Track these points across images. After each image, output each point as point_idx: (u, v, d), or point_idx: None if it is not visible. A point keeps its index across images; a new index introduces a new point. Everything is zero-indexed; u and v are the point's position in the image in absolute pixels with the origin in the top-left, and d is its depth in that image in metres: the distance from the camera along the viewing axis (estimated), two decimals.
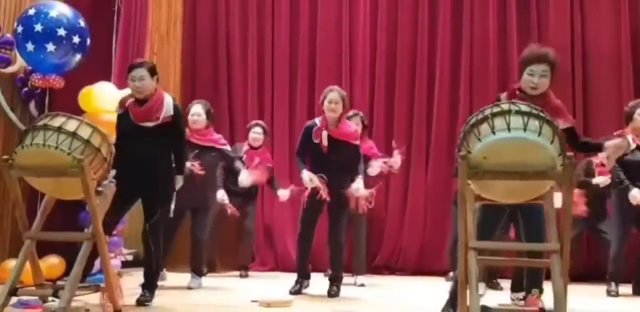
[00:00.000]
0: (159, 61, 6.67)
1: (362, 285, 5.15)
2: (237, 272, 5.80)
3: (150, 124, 3.69)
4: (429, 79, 6.55)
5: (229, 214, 5.23)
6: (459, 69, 6.47)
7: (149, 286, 3.78)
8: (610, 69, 6.22)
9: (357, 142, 4.48)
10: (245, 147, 5.66)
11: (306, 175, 4.30)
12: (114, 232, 4.18)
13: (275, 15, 6.93)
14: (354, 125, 4.74)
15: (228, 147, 4.97)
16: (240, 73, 6.96)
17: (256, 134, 5.65)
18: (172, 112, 3.73)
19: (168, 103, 3.74)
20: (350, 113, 5.17)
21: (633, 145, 4.66)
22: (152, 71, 3.78)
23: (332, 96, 4.32)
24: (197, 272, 4.86)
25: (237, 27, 6.99)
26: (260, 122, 5.84)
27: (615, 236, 4.79)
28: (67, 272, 3.72)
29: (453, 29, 6.53)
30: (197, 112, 4.82)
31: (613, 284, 4.72)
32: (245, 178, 4.93)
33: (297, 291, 4.42)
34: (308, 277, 4.52)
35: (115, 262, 4.76)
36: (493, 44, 6.39)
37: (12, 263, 3.98)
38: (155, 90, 3.78)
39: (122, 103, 3.84)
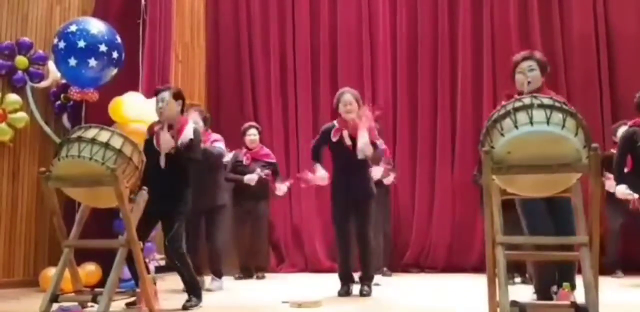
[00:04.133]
0: (184, 69, 6.82)
1: (377, 284, 5.15)
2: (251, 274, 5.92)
3: (170, 151, 3.77)
4: (452, 73, 6.54)
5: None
6: (481, 61, 6.43)
7: (191, 291, 3.89)
8: (637, 55, 6.11)
9: (379, 141, 4.54)
10: (244, 150, 5.90)
11: (321, 171, 4.41)
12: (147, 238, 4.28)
13: (295, 20, 7.01)
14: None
15: (216, 145, 4.98)
16: (264, 77, 7.06)
17: (252, 136, 5.91)
18: (191, 136, 3.82)
19: (188, 128, 3.84)
20: None
21: None
22: (176, 95, 3.90)
23: (346, 98, 4.39)
24: (217, 274, 5.00)
25: (258, 33, 7.10)
26: (253, 123, 6.10)
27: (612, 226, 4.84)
28: (103, 279, 3.82)
29: (474, 20, 6.50)
30: (195, 120, 4.87)
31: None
32: (251, 178, 5.53)
33: (346, 292, 4.42)
34: (353, 281, 4.49)
35: (149, 267, 4.86)
36: (515, 34, 6.34)
37: (51, 271, 4.11)
38: (182, 115, 3.91)
39: (150, 128, 3.94)
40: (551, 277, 3.27)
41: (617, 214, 5.27)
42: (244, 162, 5.84)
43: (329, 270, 6.00)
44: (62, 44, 4.65)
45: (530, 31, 6.36)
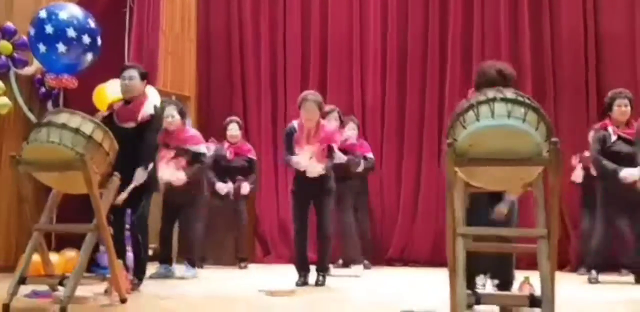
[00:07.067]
0: (173, 60, 6.82)
1: (356, 276, 5.27)
2: (229, 266, 5.98)
3: (130, 125, 3.85)
4: (441, 72, 6.55)
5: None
6: (470, 61, 6.42)
7: (139, 273, 3.99)
8: (625, 54, 6.11)
9: (335, 145, 4.58)
10: (226, 144, 5.96)
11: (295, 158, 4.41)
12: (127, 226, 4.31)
13: (287, 13, 7.02)
14: (331, 123, 4.91)
15: (198, 148, 5.07)
16: (254, 70, 7.08)
17: (233, 131, 5.95)
18: (152, 111, 3.93)
19: (148, 104, 3.94)
20: (327, 109, 5.26)
21: (614, 137, 4.74)
22: (143, 75, 4.02)
23: (308, 107, 4.35)
24: (190, 263, 5.11)
25: (250, 25, 7.11)
26: (235, 118, 6.11)
27: (600, 227, 4.82)
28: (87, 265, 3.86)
29: (464, 19, 6.50)
30: (171, 113, 4.96)
31: (594, 272, 4.80)
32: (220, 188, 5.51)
33: (303, 283, 4.52)
34: (309, 271, 4.60)
35: (132, 256, 4.89)
36: (505, 34, 6.35)
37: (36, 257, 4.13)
38: (143, 94, 4.00)
39: (110, 106, 4.01)
40: (479, 267, 3.30)
41: (587, 213, 5.34)
42: (227, 157, 5.91)
43: (313, 262, 6.06)
44: (32, 31, 4.65)
45: (519, 30, 6.36)
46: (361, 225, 5.89)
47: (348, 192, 5.59)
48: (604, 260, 4.87)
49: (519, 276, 3.26)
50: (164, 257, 5.10)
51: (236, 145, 5.92)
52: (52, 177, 3.18)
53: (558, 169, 2.60)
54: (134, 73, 3.95)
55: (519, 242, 3.13)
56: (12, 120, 5.19)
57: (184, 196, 5.01)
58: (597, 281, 4.74)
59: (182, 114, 5.08)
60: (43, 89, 5.28)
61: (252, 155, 6.03)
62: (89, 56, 4.82)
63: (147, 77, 4.06)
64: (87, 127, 3.09)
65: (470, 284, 3.21)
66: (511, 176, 2.72)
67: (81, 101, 5.03)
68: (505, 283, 3.29)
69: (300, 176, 4.50)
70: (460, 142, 2.63)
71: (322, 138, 4.43)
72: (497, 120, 2.56)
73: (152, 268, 5.04)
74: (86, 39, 4.72)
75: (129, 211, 4.07)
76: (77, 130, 3.04)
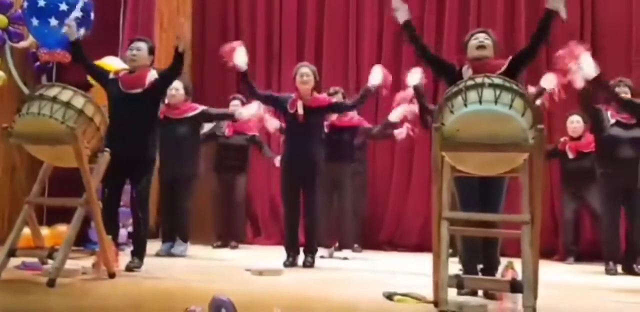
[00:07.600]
0: (168, 38, 6.77)
1: (346, 258, 5.30)
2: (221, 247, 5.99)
3: (137, 90, 3.82)
4: (436, 52, 6.53)
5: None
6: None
7: (138, 253, 3.91)
8: (620, 44, 6.07)
9: (333, 100, 4.78)
10: (226, 121, 5.85)
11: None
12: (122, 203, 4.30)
13: None
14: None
15: (197, 110, 5.07)
16: (249, 49, 7.01)
17: (232, 107, 5.80)
18: (156, 76, 3.91)
19: (152, 72, 3.92)
20: (331, 90, 5.35)
21: (612, 121, 4.74)
22: (151, 49, 3.99)
23: (303, 70, 4.56)
24: (182, 238, 5.10)
25: (245, 3, 7.08)
26: (237, 95, 6.02)
27: (605, 217, 4.81)
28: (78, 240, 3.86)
29: (460, 6, 6.49)
30: (175, 86, 4.91)
31: (611, 263, 4.73)
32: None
33: (291, 264, 4.53)
34: (298, 252, 4.61)
35: (122, 233, 4.92)
36: (500, 19, 6.32)
37: (26, 230, 4.16)
38: (148, 67, 3.96)
39: (116, 72, 4.00)
40: (478, 254, 3.34)
41: (570, 201, 5.35)
42: (225, 134, 5.86)
43: (303, 244, 6.10)
44: (25, 4, 4.65)
45: (515, 15, 6.33)
46: (358, 209, 5.87)
47: (348, 177, 5.53)
48: (618, 250, 4.77)
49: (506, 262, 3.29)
50: (168, 234, 5.11)
51: (237, 123, 5.82)
52: (43, 150, 3.20)
53: (542, 155, 2.63)
54: (142, 45, 3.94)
55: (505, 228, 3.16)
56: (7, 94, 5.18)
57: (182, 170, 5.00)
58: (616, 272, 4.67)
59: (187, 91, 5.03)
60: (37, 63, 5.27)
61: (254, 132, 5.93)
62: (82, 31, 4.80)
63: (154, 52, 4.02)
64: (78, 101, 3.10)
65: (471, 269, 3.26)
66: (497, 161, 2.75)
67: (75, 76, 5.01)
68: (489, 268, 3.33)
69: (288, 156, 4.54)
70: (448, 127, 2.65)
71: (320, 99, 4.57)
72: (484, 105, 2.59)
73: (152, 246, 5.06)
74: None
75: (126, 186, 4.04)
76: (67, 104, 3.05)
